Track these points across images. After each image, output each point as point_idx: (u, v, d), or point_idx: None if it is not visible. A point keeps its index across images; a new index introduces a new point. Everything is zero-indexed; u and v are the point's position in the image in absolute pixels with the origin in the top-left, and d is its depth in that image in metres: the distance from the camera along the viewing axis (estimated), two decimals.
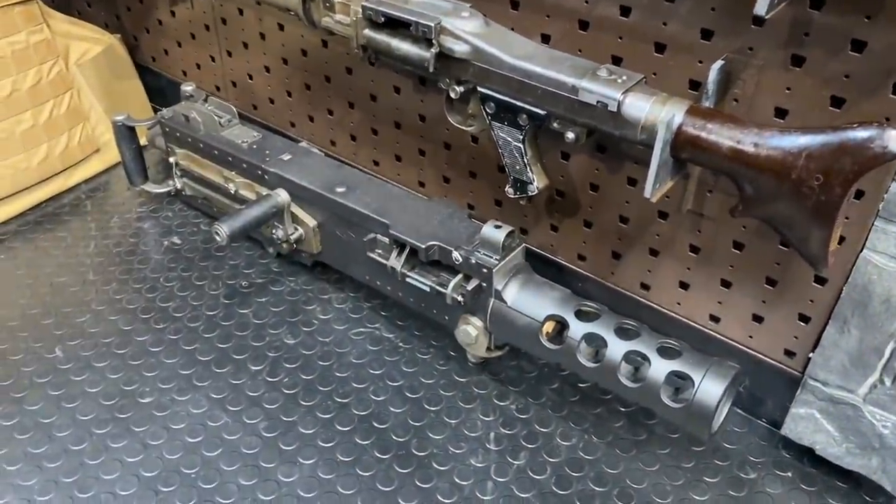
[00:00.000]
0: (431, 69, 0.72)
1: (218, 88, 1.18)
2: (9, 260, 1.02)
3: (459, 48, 0.71)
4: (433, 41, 0.71)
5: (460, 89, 0.74)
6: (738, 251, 0.75)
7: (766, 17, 0.53)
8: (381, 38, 0.75)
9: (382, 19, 0.73)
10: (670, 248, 0.80)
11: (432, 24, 0.70)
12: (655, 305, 0.84)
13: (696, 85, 0.69)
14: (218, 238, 0.86)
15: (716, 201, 0.73)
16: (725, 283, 0.78)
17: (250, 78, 1.12)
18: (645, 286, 0.84)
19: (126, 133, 1.06)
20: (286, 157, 0.95)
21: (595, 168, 0.81)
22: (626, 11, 0.70)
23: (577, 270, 0.89)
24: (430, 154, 0.96)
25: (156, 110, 1.28)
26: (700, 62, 0.68)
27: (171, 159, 1.06)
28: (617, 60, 0.73)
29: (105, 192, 1.16)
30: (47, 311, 0.94)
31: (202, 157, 1.01)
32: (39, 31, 1.08)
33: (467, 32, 0.71)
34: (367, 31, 0.76)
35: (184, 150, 1.04)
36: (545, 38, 0.77)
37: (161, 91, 1.28)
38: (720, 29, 0.66)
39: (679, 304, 0.83)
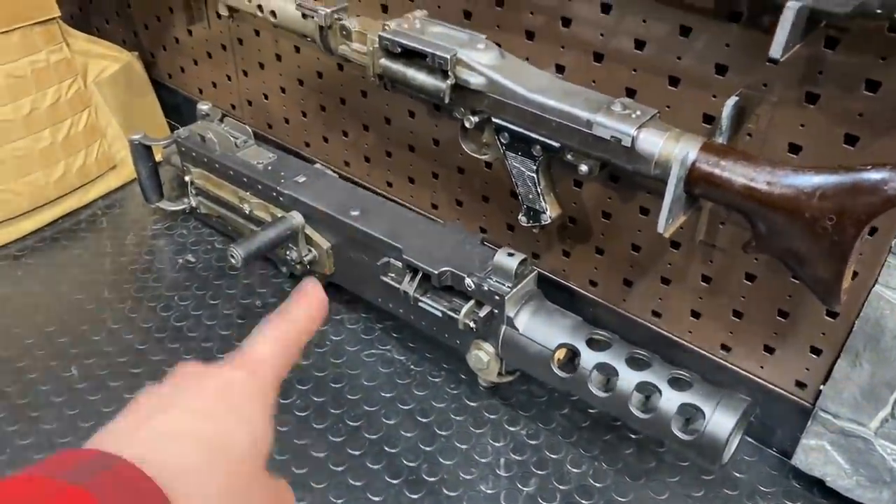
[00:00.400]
0: (447, 100, 0.73)
1: (233, 107, 1.20)
2: (27, 276, 1.04)
3: (475, 80, 0.72)
4: (449, 73, 0.72)
5: (475, 119, 0.75)
6: (749, 283, 0.75)
7: (781, 59, 0.54)
8: (398, 67, 0.76)
9: (399, 50, 0.74)
10: (682, 278, 0.80)
11: (448, 56, 0.71)
12: (667, 333, 0.85)
13: (709, 119, 0.70)
14: (233, 261, 0.87)
15: (728, 233, 0.74)
16: (737, 314, 0.78)
17: (266, 98, 1.14)
18: (656, 314, 0.85)
19: (142, 152, 1.08)
20: (301, 179, 0.96)
21: (607, 197, 0.81)
22: (640, 45, 0.71)
23: (589, 296, 0.89)
24: (443, 177, 0.97)
25: (171, 126, 1.30)
26: (714, 97, 0.68)
27: (187, 178, 1.08)
28: (631, 93, 0.74)
29: (120, 208, 1.17)
30: (63, 328, 0.95)
31: (217, 176, 1.02)
32: (59, 50, 1.09)
33: (483, 64, 0.71)
34: (383, 61, 0.76)
35: (199, 169, 1.05)
36: (559, 69, 0.78)
37: (177, 107, 1.29)
38: (734, 65, 0.66)
39: (690, 332, 0.83)
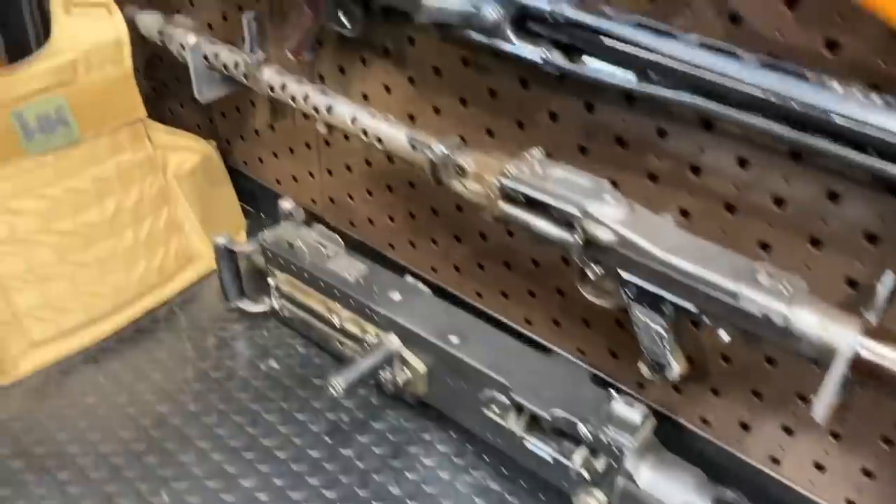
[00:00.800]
0: (576, 257, 0.70)
1: (314, 201, 1.18)
2: (110, 384, 1.02)
3: (604, 236, 0.69)
4: (577, 227, 0.69)
5: (600, 271, 0.72)
6: (885, 446, 0.72)
7: None
8: (519, 214, 0.73)
9: (522, 199, 0.72)
10: (808, 431, 0.77)
11: (578, 214, 0.68)
12: (785, 481, 0.81)
13: (852, 283, 0.67)
14: (334, 393, 0.84)
15: (867, 397, 0.70)
16: (867, 473, 0.74)
17: (351, 198, 1.12)
18: (775, 460, 0.81)
19: (227, 254, 1.06)
20: (396, 296, 0.93)
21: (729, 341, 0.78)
22: (780, 202, 0.68)
23: (700, 433, 0.86)
24: (540, 297, 0.94)
25: (245, 211, 1.28)
26: (860, 263, 0.65)
27: (271, 281, 1.06)
28: (764, 246, 0.71)
29: (198, 303, 1.15)
30: (150, 446, 0.93)
31: (306, 285, 1.00)
32: (143, 148, 1.08)
33: (613, 220, 0.69)
34: (504, 207, 0.74)
35: (286, 275, 1.03)
36: (683, 213, 0.75)
37: (251, 193, 1.28)
38: (888, 236, 0.63)
39: (812, 482, 0.79)
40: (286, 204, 1.06)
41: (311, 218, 1.08)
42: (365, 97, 0.98)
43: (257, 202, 1.28)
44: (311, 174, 1.15)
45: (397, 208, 1.05)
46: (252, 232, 1.26)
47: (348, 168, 1.08)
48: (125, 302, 1.09)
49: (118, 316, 1.08)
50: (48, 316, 1.01)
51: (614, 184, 0.77)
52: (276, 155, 1.19)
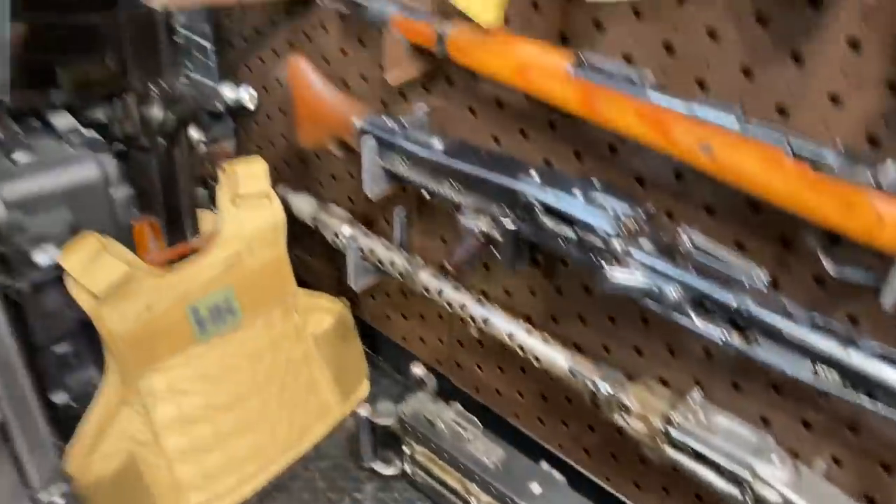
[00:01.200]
0: None
1: (439, 362, 1.24)
2: None
3: (772, 498, 0.74)
4: (746, 488, 0.74)
5: None
6: None
7: None
8: (687, 463, 0.78)
9: (690, 451, 0.77)
10: None
11: (748, 477, 0.73)
12: None
13: None
14: None
15: None
16: None
17: (480, 369, 1.18)
18: None
19: (368, 424, 1.13)
20: (536, 488, 0.99)
21: None
22: None
23: None
24: (675, 496, 0.99)
25: (366, 355, 1.35)
26: None
27: (406, 449, 1.12)
28: None
29: (330, 461, 1.22)
30: None
31: (445, 464, 1.06)
32: (291, 319, 1.16)
33: (781, 483, 0.74)
34: (671, 453, 0.79)
35: (423, 448, 1.09)
36: (835, 460, 0.80)
37: (373, 340, 1.34)
38: None
39: None
40: (418, 370, 1.12)
41: (435, 375, 1.13)
42: (507, 293, 1.05)
43: (378, 348, 1.34)
44: (440, 340, 1.22)
45: (529, 388, 1.11)
46: (374, 380, 1.33)
47: (480, 343, 1.15)
48: (268, 461, 1.16)
49: (262, 475, 1.15)
50: (203, 484, 1.08)
51: (764, 421, 0.83)
52: (405, 316, 1.26)
